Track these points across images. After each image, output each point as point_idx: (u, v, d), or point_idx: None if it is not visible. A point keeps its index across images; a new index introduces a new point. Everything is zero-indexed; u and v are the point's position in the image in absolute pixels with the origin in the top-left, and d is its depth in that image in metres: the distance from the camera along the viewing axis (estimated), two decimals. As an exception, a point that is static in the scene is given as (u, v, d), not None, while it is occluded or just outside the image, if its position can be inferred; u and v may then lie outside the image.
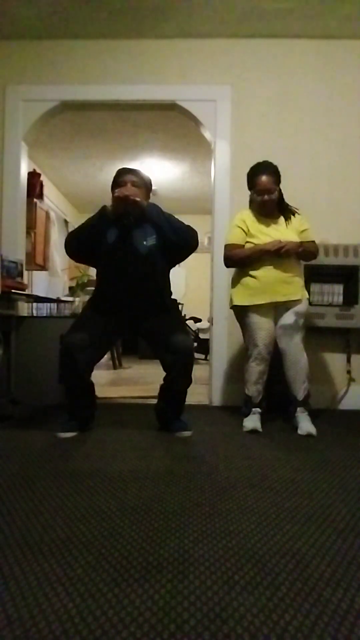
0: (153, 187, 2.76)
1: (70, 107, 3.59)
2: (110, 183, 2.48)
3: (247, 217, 2.67)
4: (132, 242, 2.37)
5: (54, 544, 1.23)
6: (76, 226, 2.49)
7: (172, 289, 2.61)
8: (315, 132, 3.40)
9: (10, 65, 3.45)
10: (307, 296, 2.67)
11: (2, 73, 3.45)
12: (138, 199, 2.31)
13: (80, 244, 2.44)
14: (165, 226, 2.36)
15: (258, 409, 2.61)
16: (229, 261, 2.67)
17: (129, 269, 2.37)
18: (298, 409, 2.54)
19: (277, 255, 2.50)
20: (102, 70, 3.44)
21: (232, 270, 3.35)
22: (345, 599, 0.99)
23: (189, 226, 2.44)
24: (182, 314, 7.20)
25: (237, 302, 2.65)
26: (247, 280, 2.60)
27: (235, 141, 3.43)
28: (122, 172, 2.45)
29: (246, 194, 3.39)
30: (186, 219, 2.61)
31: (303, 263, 2.77)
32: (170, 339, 2.39)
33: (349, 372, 3.33)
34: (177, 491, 1.63)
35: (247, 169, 3.39)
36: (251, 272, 2.58)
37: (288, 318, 2.57)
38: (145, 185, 2.46)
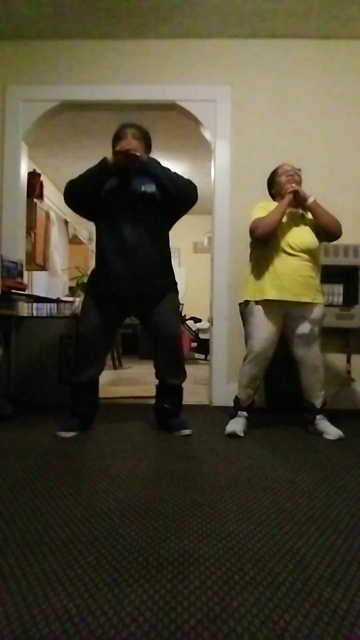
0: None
1: (70, 107, 3.59)
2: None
3: (270, 203, 2.60)
4: (129, 187, 2.37)
5: (54, 544, 1.23)
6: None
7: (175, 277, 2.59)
8: (315, 132, 3.40)
9: (10, 65, 3.46)
10: (323, 301, 2.56)
11: (2, 73, 3.45)
12: (138, 153, 2.33)
13: (78, 193, 2.43)
14: (163, 177, 2.36)
15: (245, 413, 2.56)
16: (255, 231, 2.50)
17: (126, 213, 2.36)
18: (317, 416, 2.52)
19: (297, 201, 2.46)
20: (102, 70, 3.44)
21: (232, 270, 3.37)
22: (345, 599, 0.99)
23: (188, 180, 2.44)
24: (182, 314, 7.22)
25: (244, 297, 2.58)
26: (257, 276, 2.53)
27: (235, 141, 3.43)
28: (124, 126, 2.48)
29: (246, 193, 3.40)
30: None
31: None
32: (157, 328, 2.44)
33: (349, 372, 3.33)
34: (177, 491, 1.63)
35: (247, 169, 3.41)
36: (264, 267, 2.50)
37: (304, 327, 2.48)
38: (145, 138, 2.48)
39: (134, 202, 2.37)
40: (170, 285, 2.51)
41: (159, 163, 2.40)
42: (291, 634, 0.88)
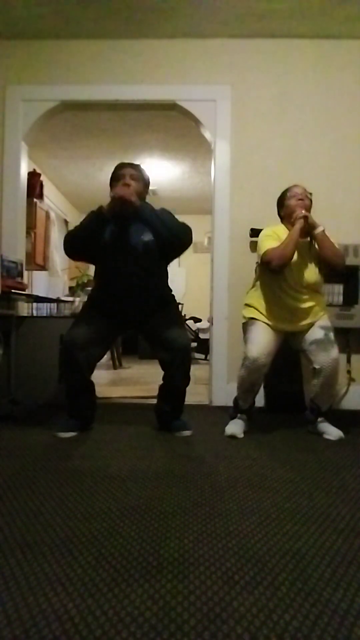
0: (153, 187, 2.77)
1: (70, 107, 3.59)
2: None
3: (276, 228, 2.56)
4: (128, 237, 2.38)
5: (54, 544, 1.23)
6: (75, 225, 2.50)
7: (172, 288, 2.61)
8: (315, 132, 3.40)
9: (10, 65, 3.45)
10: (326, 314, 2.56)
11: (2, 73, 3.45)
12: (133, 199, 2.33)
13: (78, 244, 2.45)
14: (156, 225, 2.37)
15: (244, 416, 2.55)
16: (272, 262, 2.39)
17: (127, 264, 2.38)
18: (319, 418, 2.51)
19: (308, 227, 2.42)
20: (102, 70, 3.44)
21: (232, 270, 3.37)
22: (345, 599, 0.99)
23: (182, 224, 2.43)
24: (182, 314, 7.22)
25: (247, 315, 2.56)
26: (265, 303, 2.51)
27: (235, 141, 3.43)
28: (121, 166, 2.48)
29: (246, 193, 3.40)
30: (186, 219, 2.61)
31: (324, 275, 2.58)
32: (166, 337, 2.42)
33: (349, 372, 3.33)
34: (177, 491, 1.63)
35: (247, 169, 3.42)
36: (270, 299, 2.50)
37: (316, 333, 2.45)
38: (143, 179, 2.49)
39: (133, 251, 2.38)
40: (170, 299, 2.56)
41: (153, 209, 2.41)
42: (291, 634, 0.88)
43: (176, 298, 2.67)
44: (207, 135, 3.53)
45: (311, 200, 2.57)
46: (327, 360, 2.38)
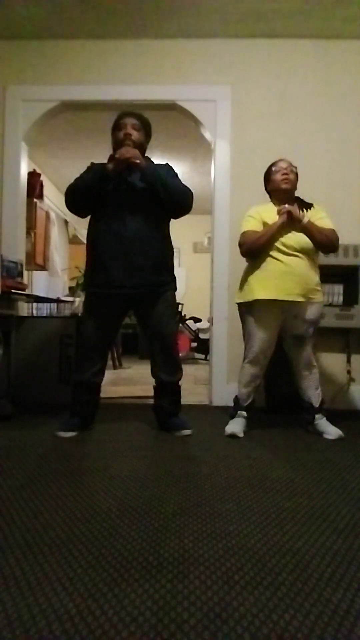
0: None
1: (70, 107, 3.60)
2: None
3: (262, 208, 2.55)
4: (129, 182, 2.38)
5: (54, 544, 1.23)
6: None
7: (174, 266, 2.60)
8: (315, 132, 3.40)
9: (10, 65, 3.46)
10: (322, 299, 2.52)
11: (2, 73, 3.45)
12: (138, 161, 2.32)
13: (82, 200, 2.44)
14: (158, 188, 2.36)
15: (244, 413, 2.55)
16: (242, 247, 2.49)
17: (129, 210, 2.36)
18: (317, 415, 2.51)
19: (291, 222, 2.38)
20: (102, 70, 3.44)
21: (232, 270, 3.36)
22: (345, 599, 0.99)
23: (183, 189, 2.43)
24: (182, 314, 7.22)
25: (237, 300, 2.58)
26: (250, 276, 2.50)
27: (235, 141, 3.43)
28: (123, 115, 2.47)
29: (246, 193, 3.40)
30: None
31: (318, 259, 2.56)
32: (153, 326, 2.45)
33: (349, 372, 3.33)
34: (177, 491, 1.63)
35: (247, 169, 3.41)
36: (256, 268, 2.47)
37: (298, 328, 2.46)
38: (145, 127, 2.48)
39: (132, 195, 2.38)
40: (168, 282, 2.50)
41: (156, 169, 2.40)
42: (291, 634, 0.88)
43: (176, 299, 2.63)
44: (207, 135, 3.53)
45: (297, 174, 2.57)
46: (300, 354, 2.49)
